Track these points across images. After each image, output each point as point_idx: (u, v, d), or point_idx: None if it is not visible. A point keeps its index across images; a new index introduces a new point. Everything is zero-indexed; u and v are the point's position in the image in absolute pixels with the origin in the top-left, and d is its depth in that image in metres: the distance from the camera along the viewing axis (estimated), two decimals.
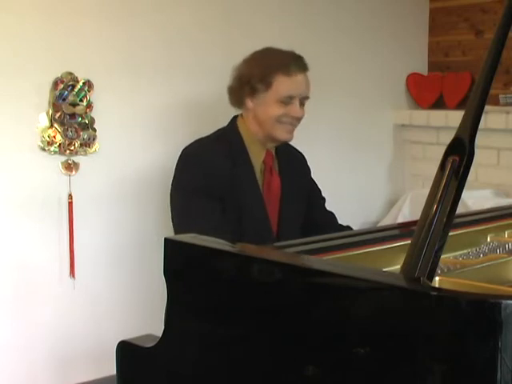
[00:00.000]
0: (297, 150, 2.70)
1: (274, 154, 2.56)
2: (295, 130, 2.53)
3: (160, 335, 1.70)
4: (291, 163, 2.61)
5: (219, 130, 2.60)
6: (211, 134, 2.58)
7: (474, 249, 1.93)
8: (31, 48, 2.83)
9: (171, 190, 2.51)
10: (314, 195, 2.70)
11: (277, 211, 2.52)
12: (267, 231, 2.45)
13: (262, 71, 2.43)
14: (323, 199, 2.74)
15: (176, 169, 2.51)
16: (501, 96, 3.65)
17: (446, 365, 1.24)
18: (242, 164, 2.47)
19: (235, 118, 2.59)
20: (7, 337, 2.89)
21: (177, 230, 2.41)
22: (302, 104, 2.47)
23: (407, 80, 4.10)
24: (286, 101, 2.43)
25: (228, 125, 2.59)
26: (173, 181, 2.51)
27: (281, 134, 2.48)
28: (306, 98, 2.49)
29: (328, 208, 2.74)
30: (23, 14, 2.81)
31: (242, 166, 2.46)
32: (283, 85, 2.42)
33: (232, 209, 2.40)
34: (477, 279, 1.59)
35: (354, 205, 3.84)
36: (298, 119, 2.49)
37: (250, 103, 2.48)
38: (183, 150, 2.53)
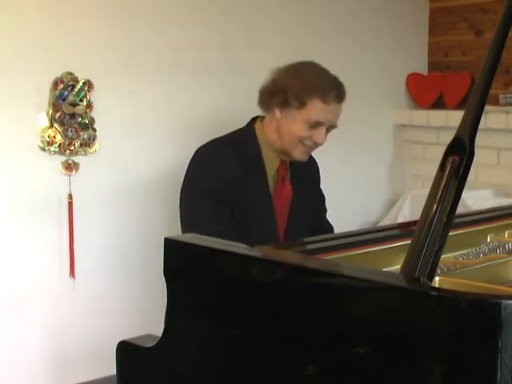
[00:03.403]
0: (311, 156, 2.63)
1: (287, 163, 2.51)
2: None
3: (160, 335, 1.70)
4: (304, 172, 2.57)
5: (235, 131, 2.54)
6: (226, 135, 2.53)
7: (474, 249, 1.94)
8: (31, 48, 2.83)
9: (181, 189, 2.48)
10: (317, 204, 2.67)
11: (286, 219, 2.50)
12: (274, 238, 2.42)
13: (300, 88, 2.35)
14: (325, 210, 2.71)
15: (188, 168, 2.48)
16: (501, 96, 3.65)
17: (446, 365, 1.24)
18: (255, 169, 2.43)
19: (253, 120, 2.53)
20: (7, 336, 2.89)
21: (184, 231, 2.40)
22: (327, 131, 2.42)
23: (407, 80, 4.10)
24: (314, 125, 2.37)
25: (245, 127, 2.53)
26: (184, 180, 2.48)
27: (298, 154, 2.43)
28: (334, 126, 2.44)
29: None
30: (23, 13, 2.81)
31: (254, 171, 2.42)
32: (317, 110, 2.35)
33: (240, 213, 2.37)
34: (477, 279, 1.59)
35: (354, 205, 3.84)
36: (319, 145, 2.45)
37: (278, 113, 2.41)
38: (197, 150, 2.49)
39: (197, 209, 2.38)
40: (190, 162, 2.49)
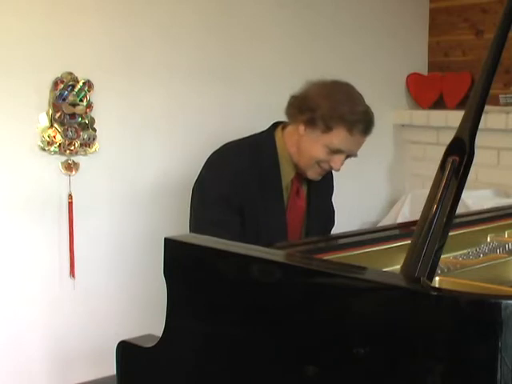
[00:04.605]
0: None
1: (303, 176, 2.49)
2: None
3: (160, 335, 1.70)
4: (320, 188, 2.55)
5: (255, 135, 2.51)
6: (245, 138, 2.51)
7: (474, 249, 1.94)
8: (31, 48, 2.83)
9: (193, 191, 2.48)
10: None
11: (298, 232, 2.49)
12: None
13: (328, 112, 2.32)
14: (332, 223, 2.69)
15: (201, 171, 2.47)
16: (501, 96, 3.65)
17: (446, 365, 1.24)
18: (270, 177, 2.41)
19: (274, 127, 2.49)
20: (7, 336, 2.89)
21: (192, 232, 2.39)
22: (347, 157, 2.42)
23: (407, 80, 4.09)
24: (334, 151, 2.36)
25: (265, 132, 2.50)
26: (196, 182, 2.47)
27: (312, 174, 2.43)
28: (354, 155, 2.43)
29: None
30: (23, 14, 2.81)
31: (269, 179, 2.41)
32: (340, 138, 2.34)
33: (250, 221, 2.36)
34: (477, 279, 1.59)
35: (354, 205, 3.83)
36: (335, 170, 2.45)
37: (302, 130, 2.38)
38: (213, 153, 2.47)
39: (205, 213, 2.37)
40: (205, 164, 2.47)
